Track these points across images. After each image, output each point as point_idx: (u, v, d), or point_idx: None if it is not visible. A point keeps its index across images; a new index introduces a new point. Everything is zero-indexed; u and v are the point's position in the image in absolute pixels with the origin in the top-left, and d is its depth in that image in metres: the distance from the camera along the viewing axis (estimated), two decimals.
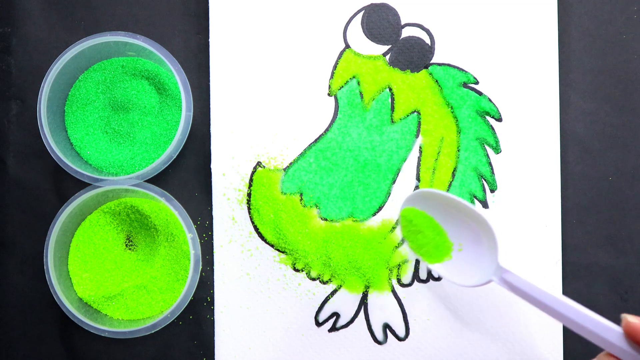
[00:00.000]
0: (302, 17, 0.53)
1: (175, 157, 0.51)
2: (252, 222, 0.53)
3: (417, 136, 0.53)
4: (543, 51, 0.52)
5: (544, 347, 0.52)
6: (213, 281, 0.53)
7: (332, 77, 0.53)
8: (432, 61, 0.53)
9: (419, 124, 0.53)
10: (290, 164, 0.53)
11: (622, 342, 0.38)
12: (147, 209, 0.53)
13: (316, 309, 0.53)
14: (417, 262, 0.53)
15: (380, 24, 0.53)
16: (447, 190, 0.52)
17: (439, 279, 0.52)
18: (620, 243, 0.52)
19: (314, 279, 0.53)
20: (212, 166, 0.53)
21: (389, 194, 0.53)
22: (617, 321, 0.39)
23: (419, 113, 0.53)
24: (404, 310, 0.52)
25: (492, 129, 0.53)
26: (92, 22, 0.54)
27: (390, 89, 0.53)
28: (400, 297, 0.52)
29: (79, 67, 0.53)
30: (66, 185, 0.54)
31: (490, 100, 0.53)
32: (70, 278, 0.53)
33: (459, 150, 0.53)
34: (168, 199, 0.51)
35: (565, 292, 0.52)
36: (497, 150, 0.53)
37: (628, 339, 0.38)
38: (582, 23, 0.53)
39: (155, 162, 0.50)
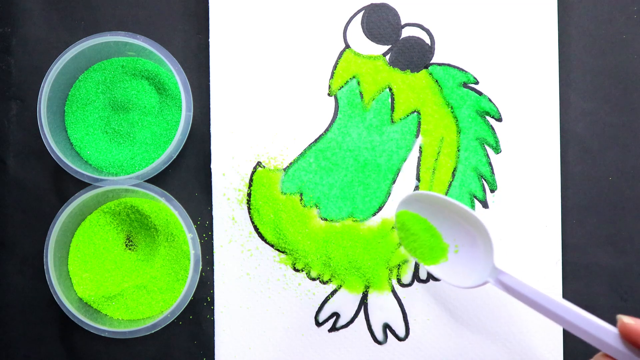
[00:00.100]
0: (302, 17, 0.53)
1: (175, 157, 0.51)
2: (252, 222, 0.53)
3: (417, 136, 0.53)
4: (543, 51, 0.52)
5: (544, 347, 0.52)
6: (213, 281, 0.53)
7: (332, 77, 0.53)
8: (432, 61, 0.53)
9: (419, 124, 0.53)
10: (290, 164, 0.53)
11: (617, 343, 0.38)
12: (147, 209, 0.53)
13: (316, 309, 0.53)
14: (417, 262, 0.53)
15: (380, 24, 0.53)
16: (447, 190, 0.52)
17: (439, 279, 0.52)
18: (620, 243, 0.52)
19: (314, 279, 0.53)
20: (212, 166, 0.53)
21: (389, 194, 0.53)
22: (616, 321, 0.39)
23: (419, 113, 0.53)
24: (404, 310, 0.52)
25: (492, 129, 0.53)
26: (92, 22, 0.54)
27: (390, 89, 0.53)
28: (400, 297, 0.52)
29: (79, 67, 0.53)
30: (66, 185, 0.54)
31: (490, 100, 0.53)
32: (70, 278, 0.53)
33: (459, 150, 0.53)
34: (168, 199, 0.51)
35: (565, 292, 0.52)
36: (497, 150, 0.53)
37: (624, 339, 0.38)
38: (582, 23, 0.53)
39: (155, 162, 0.50)
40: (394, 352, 0.52)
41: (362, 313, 0.53)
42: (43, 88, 0.50)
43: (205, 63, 0.54)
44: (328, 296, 0.53)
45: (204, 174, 0.54)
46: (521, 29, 0.53)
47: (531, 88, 0.52)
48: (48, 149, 0.50)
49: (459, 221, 0.49)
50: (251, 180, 0.53)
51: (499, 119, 0.53)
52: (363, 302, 0.53)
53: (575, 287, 0.52)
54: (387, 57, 0.53)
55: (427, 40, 0.53)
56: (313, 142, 0.53)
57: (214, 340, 0.53)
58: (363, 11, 0.53)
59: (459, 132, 0.53)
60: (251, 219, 0.53)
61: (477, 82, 0.53)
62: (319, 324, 0.53)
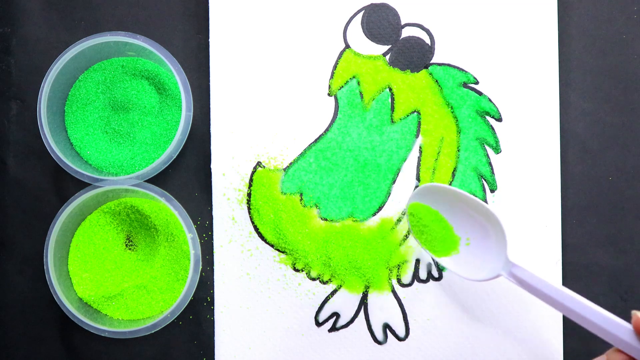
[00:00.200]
0: (302, 17, 0.53)
1: (175, 157, 0.51)
2: (252, 222, 0.53)
3: (417, 136, 0.53)
4: (543, 51, 0.52)
5: (544, 347, 0.52)
6: (213, 281, 0.53)
7: (332, 77, 0.53)
8: (432, 61, 0.53)
9: (419, 124, 0.53)
10: (290, 164, 0.53)
11: (631, 339, 0.39)
12: (147, 209, 0.53)
13: (316, 309, 0.53)
14: (417, 262, 0.53)
15: (380, 24, 0.53)
16: None
17: (439, 279, 0.52)
18: (620, 243, 0.52)
19: (314, 279, 0.53)
20: (212, 166, 0.53)
21: (389, 194, 0.53)
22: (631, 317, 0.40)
23: (419, 113, 0.53)
24: (404, 310, 0.52)
25: (492, 129, 0.53)
26: (92, 22, 0.54)
27: (390, 89, 0.53)
28: (400, 297, 0.52)
29: (79, 67, 0.53)
30: (66, 185, 0.54)
31: (490, 100, 0.53)
32: (70, 278, 0.53)
33: (459, 150, 0.53)
34: (168, 199, 0.51)
35: None
36: (497, 150, 0.53)
37: (638, 335, 0.39)
38: (582, 23, 0.53)
39: (155, 162, 0.50)
40: (394, 352, 0.52)
41: (362, 313, 0.53)
42: (43, 88, 0.50)
43: (205, 63, 0.54)
44: (328, 296, 0.53)
45: (204, 174, 0.54)
46: (521, 29, 0.53)
47: (531, 88, 0.52)
48: (48, 149, 0.50)
49: (471, 214, 0.49)
50: (251, 180, 0.53)
51: (499, 119, 0.53)
52: (363, 302, 0.53)
53: (575, 287, 0.52)
54: (387, 57, 0.53)
55: (427, 40, 0.53)
56: (313, 142, 0.53)
57: (214, 340, 0.53)
58: (363, 11, 0.53)
59: (459, 132, 0.53)
60: (251, 219, 0.53)
61: (477, 82, 0.53)
62: (319, 324, 0.53)
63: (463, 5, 0.53)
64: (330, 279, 0.53)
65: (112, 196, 0.52)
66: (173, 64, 0.50)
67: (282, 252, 0.53)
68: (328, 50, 0.53)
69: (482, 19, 0.53)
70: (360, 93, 0.53)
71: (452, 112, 0.53)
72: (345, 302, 0.52)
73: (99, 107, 0.53)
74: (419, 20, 0.53)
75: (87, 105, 0.53)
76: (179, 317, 0.53)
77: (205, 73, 0.54)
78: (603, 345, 0.42)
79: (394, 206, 0.53)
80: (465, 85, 0.53)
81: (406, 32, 0.53)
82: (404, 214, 0.52)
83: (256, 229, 0.53)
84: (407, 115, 0.53)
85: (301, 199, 0.53)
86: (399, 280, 0.53)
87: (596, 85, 0.53)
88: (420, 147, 0.53)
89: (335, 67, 0.53)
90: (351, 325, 0.53)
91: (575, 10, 0.53)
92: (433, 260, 0.52)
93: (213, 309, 0.53)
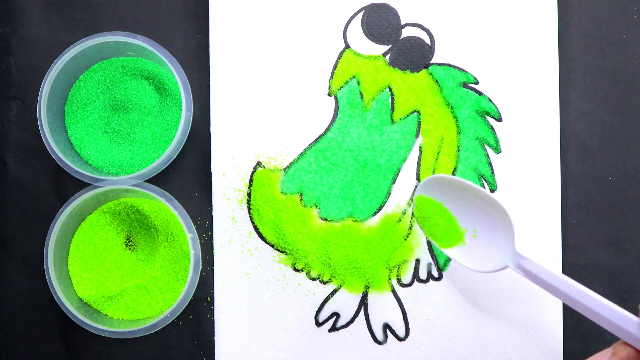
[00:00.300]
0: (302, 17, 0.53)
1: (175, 157, 0.51)
2: (252, 222, 0.53)
3: (417, 136, 0.53)
4: (543, 51, 0.52)
5: (544, 347, 0.52)
6: (213, 281, 0.53)
7: (332, 77, 0.53)
8: (432, 61, 0.53)
9: (419, 124, 0.53)
10: (290, 164, 0.53)
11: (639, 332, 0.40)
12: (147, 209, 0.53)
13: (316, 309, 0.53)
14: (417, 262, 0.53)
15: (380, 24, 0.53)
16: None
17: (439, 279, 0.52)
18: (620, 243, 0.52)
19: (314, 279, 0.53)
20: (212, 166, 0.53)
21: (389, 194, 0.53)
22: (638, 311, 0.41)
23: (419, 113, 0.53)
24: (404, 310, 0.52)
25: (492, 129, 0.53)
26: (92, 22, 0.54)
27: (390, 89, 0.53)
28: (400, 297, 0.52)
29: (79, 67, 0.53)
30: (66, 185, 0.54)
31: (490, 100, 0.53)
32: (70, 278, 0.53)
33: (459, 150, 0.53)
34: (168, 199, 0.51)
35: None
36: (497, 150, 0.53)
37: None
38: (582, 23, 0.53)
39: (155, 162, 0.50)
40: (394, 352, 0.52)
41: (362, 313, 0.53)
42: (43, 88, 0.50)
43: (205, 63, 0.54)
44: (328, 296, 0.53)
45: (204, 174, 0.54)
46: (521, 29, 0.53)
47: (531, 88, 0.52)
48: (48, 149, 0.50)
49: (479, 205, 0.49)
50: (251, 180, 0.53)
51: (499, 119, 0.53)
52: (363, 302, 0.53)
53: None
54: (387, 57, 0.53)
55: (427, 40, 0.53)
56: (313, 142, 0.53)
57: (214, 340, 0.53)
58: (363, 11, 0.53)
59: (459, 132, 0.53)
60: (251, 219, 0.53)
61: (477, 82, 0.53)
62: (319, 324, 0.53)
63: (463, 5, 0.53)
64: (330, 279, 0.53)
65: (112, 196, 0.52)
66: (173, 64, 0.50)
67: (282, 252, 0.53)
68: (328, 50, 0.53)
69: (482, 19, 0.53)
70: (360, 93, 0.53)
71: (452, 112, 0.53)
72: (345, 302, 0.52)
73: (99, 107, 0.53)
74: (419, 20, 0.53)
75: (87, 105, 0.53)
76: (179, 317, 0.53)
77: (205, 73, 0.54)
78: (603, 345, 0.42)
79: (394, 206, 0.52)
80: (465, 85, 0.53)
81: (406, 32, 0.53)
82: (409, 205, 0.52)
83: (256, 229, 0.53)
84: (407, 115, 0.53)
85: (301, 199, 0.53)
86: (399, 280, 0.53)
87: (596, 85, 0.53)
88: (420, 147, 0.53)
89: (335, 67, 0.53)
90: (351, 325, 0.53)
91: (575, 10, 0.53)
92: (433, 260, 0.52)
93: (213, 309, 0.53)
